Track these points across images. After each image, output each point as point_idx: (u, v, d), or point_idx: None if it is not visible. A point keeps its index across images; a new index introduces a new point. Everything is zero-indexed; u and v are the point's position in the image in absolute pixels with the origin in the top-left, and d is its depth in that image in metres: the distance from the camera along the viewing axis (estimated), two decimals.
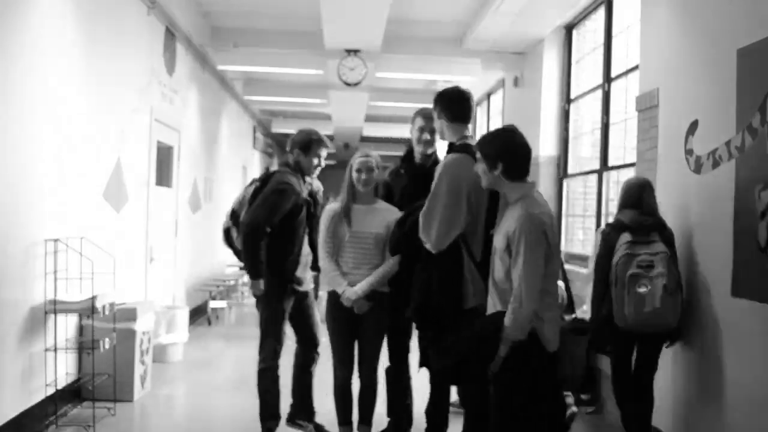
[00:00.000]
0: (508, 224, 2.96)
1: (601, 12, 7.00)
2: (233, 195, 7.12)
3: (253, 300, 4.16)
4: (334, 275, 3.90)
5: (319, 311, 4.36)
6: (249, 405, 5.05)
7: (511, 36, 7.89)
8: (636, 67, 5.32)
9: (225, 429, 4.55)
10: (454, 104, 3.54)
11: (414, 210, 3.49)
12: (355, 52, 8.23)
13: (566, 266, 7.11)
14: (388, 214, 3.93)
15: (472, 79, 9.37)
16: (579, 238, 7.66)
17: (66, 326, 4.56)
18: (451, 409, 4.10)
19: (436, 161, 3.94)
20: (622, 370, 4.08)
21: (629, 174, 6.26)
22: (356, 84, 8.46)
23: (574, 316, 4.60)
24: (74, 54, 4.64)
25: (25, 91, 4.02)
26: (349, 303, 3.84)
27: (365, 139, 17.06)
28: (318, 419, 4.40)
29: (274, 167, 4.64)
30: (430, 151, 4.04)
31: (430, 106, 3.73)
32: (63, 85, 4.51)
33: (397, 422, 4.13)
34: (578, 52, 7.74)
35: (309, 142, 4.22)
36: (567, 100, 7.84)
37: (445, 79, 10.10)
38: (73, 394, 4.70)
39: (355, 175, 3.94)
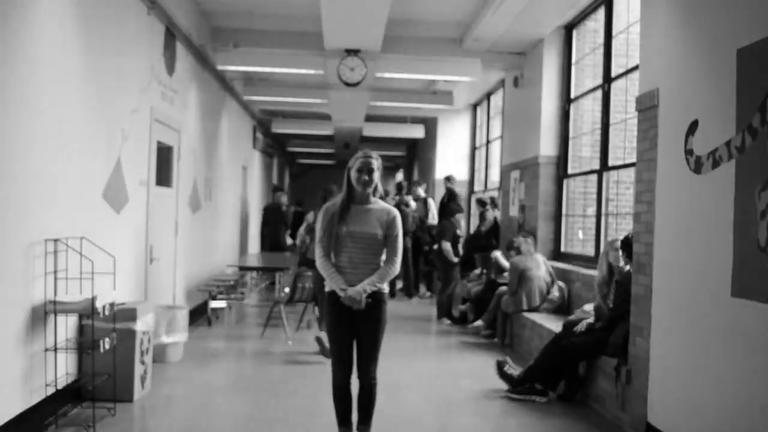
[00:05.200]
0: None
1: (601, 12, 7.00)
2: (233, 195, 7.06)
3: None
4: (333, 274, 3.88)
5: None
6: (248, 405, 5.05)
7: (511, 36, 7.89)
8: (636, 67, 5.32)
9: (225, 429, 4.54)
10: None
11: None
12: (355, 52, 8.23)
13: (566, 266, 7.15)
14: (384, 214, 3.93)
15: (472, 79, 9.37)
16: (579, 238, 7.66)
17: (66, 326, 4.56)
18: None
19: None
20: None
21: (629, 174, 6.27)
22: (356, 84, 8.45)
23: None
24: (74, 54, 4.64)
25: (24, 90, 4.01)
26: (352, 302, 3.81)
27: (365, 139, 17.04)
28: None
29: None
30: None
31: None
32: (63, 85, 4.50)
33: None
34: (578, 52, 7.74)
35: None
36: (567, 100, 7.84)
37: (445, 79, 10.11)
38: (73, 394, 4.70)
39: (354, 174, 3.90)
